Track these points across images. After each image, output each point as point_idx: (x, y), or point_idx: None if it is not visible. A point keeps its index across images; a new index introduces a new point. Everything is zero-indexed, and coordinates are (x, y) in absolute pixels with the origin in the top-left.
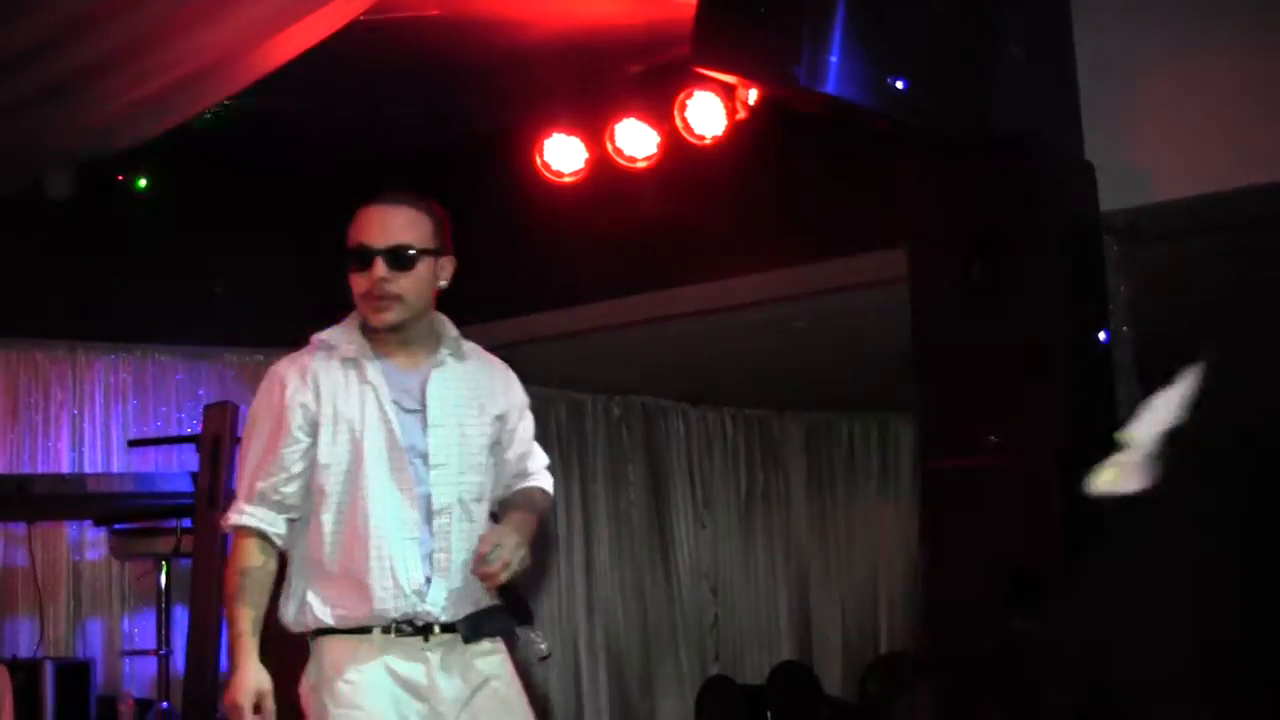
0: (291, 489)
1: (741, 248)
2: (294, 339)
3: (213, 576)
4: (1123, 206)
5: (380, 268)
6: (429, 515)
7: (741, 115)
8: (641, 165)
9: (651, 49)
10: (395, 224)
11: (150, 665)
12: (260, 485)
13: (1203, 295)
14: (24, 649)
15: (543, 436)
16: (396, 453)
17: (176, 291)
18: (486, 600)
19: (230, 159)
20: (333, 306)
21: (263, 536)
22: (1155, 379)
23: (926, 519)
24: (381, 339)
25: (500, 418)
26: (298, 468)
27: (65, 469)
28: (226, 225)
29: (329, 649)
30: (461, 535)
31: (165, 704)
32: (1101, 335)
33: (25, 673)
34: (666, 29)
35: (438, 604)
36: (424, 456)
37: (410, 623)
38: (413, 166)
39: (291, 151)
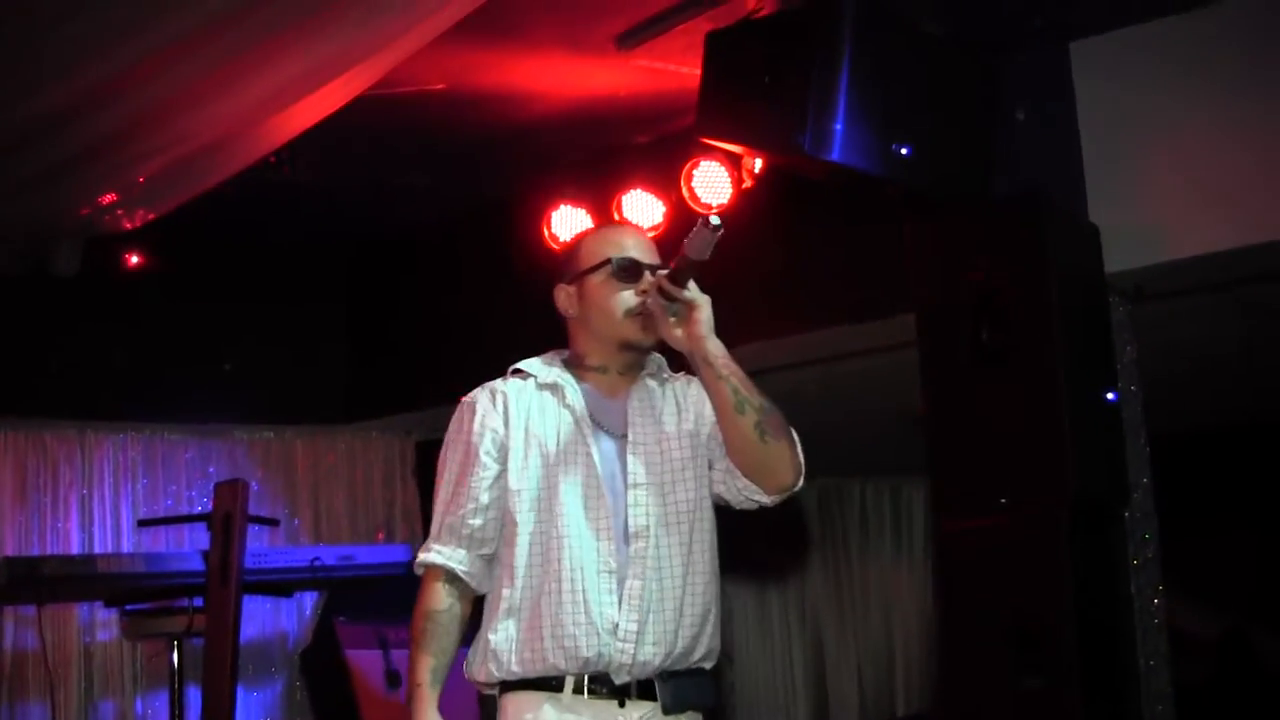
0: (480, 521)
1: (749, 315)
2: (304, 414)
3: (225, 655)
4: (1128, 267)
5: (650, 284)
6: (629, 543)
7: (748, 184)
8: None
9: (657, 119)
10: (648, 244)
11: None
12: (449, 520)
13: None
14: None
15: None
16: (593, 478)
17: (186, 368)
18: (695, 659)
19: (238, 233)
20: (340, 382)
21: (450, 576)
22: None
23: (940, 580)
24: (585, 374)
25: (696, 416)
26: (486, 497)
27: (75, 550)
28: (235, 300)
29: (513, 706)
30: (660, 561)
31: None
32: (1110, 395)
33: None
34: (672, 100)
35: (632, 645)
36: (624, 480)
37: (605, 677)
38: (423, 237)
39: (301, 225)
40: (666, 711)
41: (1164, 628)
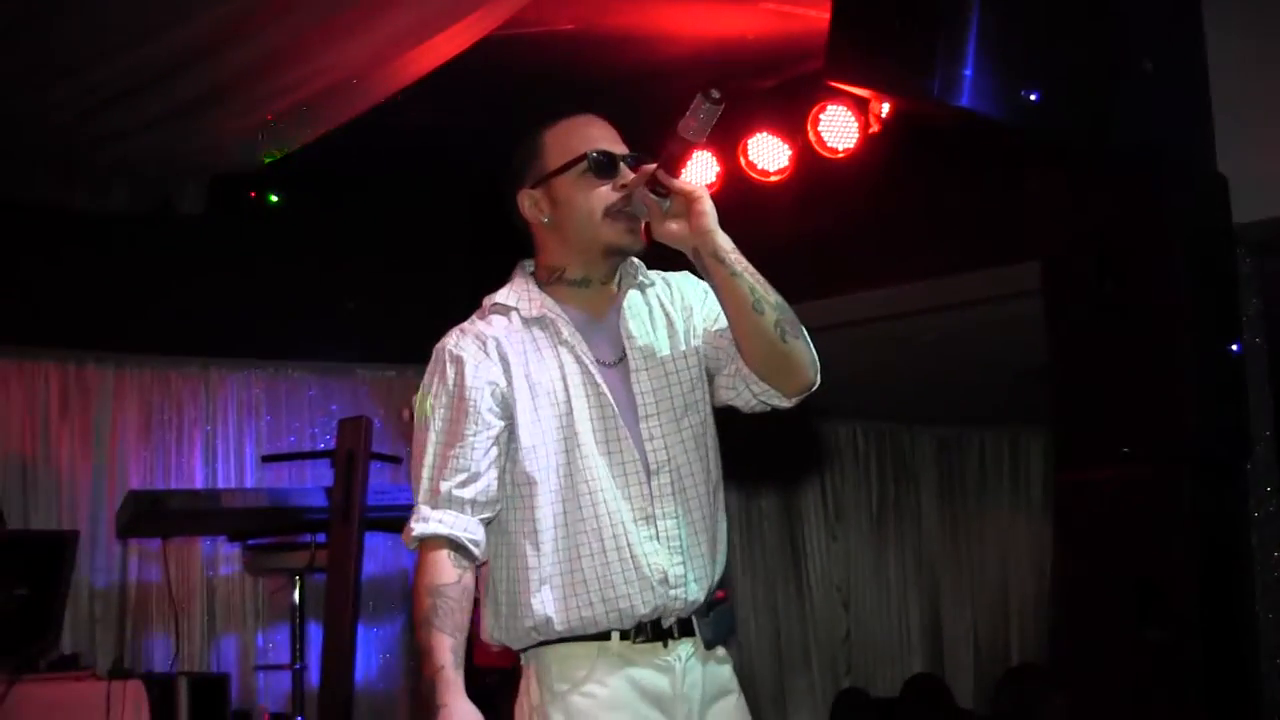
0: (482, 484)
1: (873, 261)
2: (426, 352)
3: (347, 591)
4: (1256, 219)
5: (632, 179)
6: (649, 479)
7: (874, 129)
8: (774, 179)
9: (784, 63)
10: (617, 134)
11: (285, 680)
12: (446, 485)
13: None
14: (159, 664)
15: None
16: (608, 419)
17: (309, 307)
18: (716, 586)
19: (362, 174)
20: (461, 321)
21: (456, 546)
22: None
23: (1059, 530)
24: (564, 292)
25: (690, 323)
26: (491, 457)
27: (199, 485)
28: (358, 240)
29: (558, 660)
30: (687, 494)
31: (300, 719)
32: (1234, 347)
33: (161, 688)
34: (798, 43)
35: (683, 589)
36: (633, 412)
37: (656, 624)
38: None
39: (423, 166)
40: (709, 647)
41: None
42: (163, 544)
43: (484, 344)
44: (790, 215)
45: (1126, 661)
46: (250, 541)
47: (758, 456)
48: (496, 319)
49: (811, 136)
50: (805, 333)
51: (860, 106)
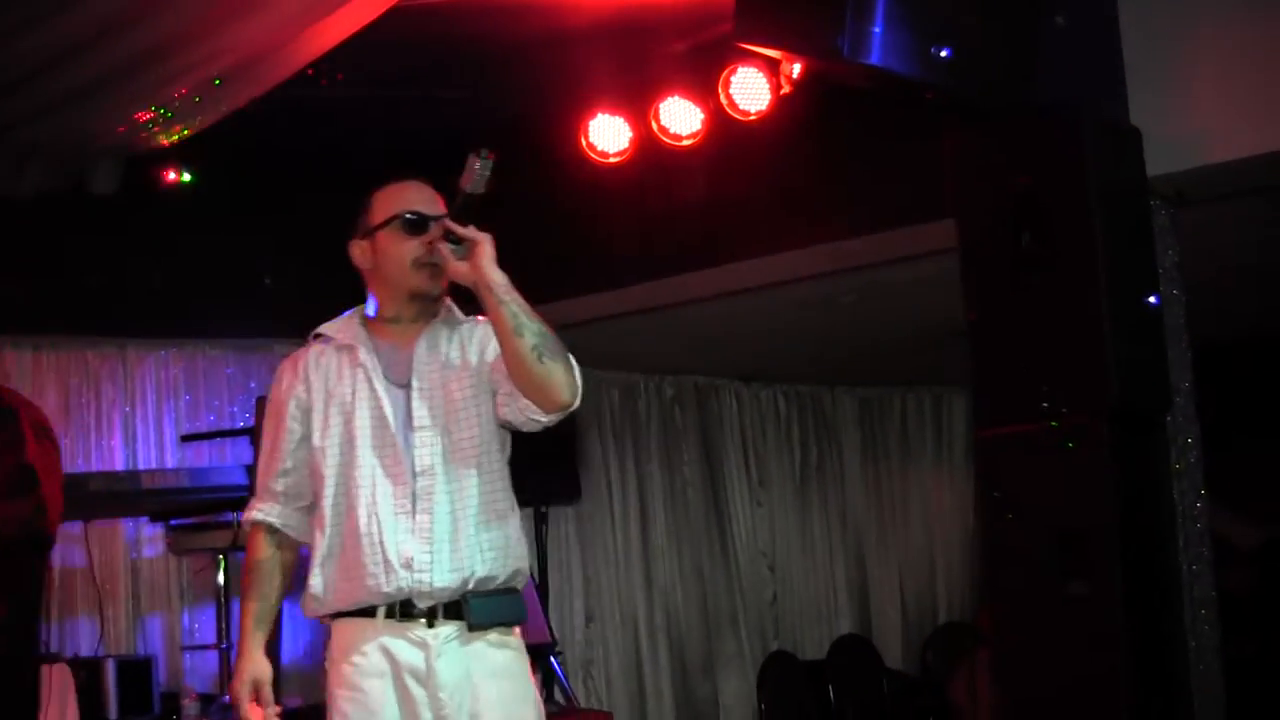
0: (291, 480)
1: (788, 223)
2: None
3: None
4: (1170, 171)
5: (435, 233)
6: (414, 479)
7: (786, 90)
8: (687, 143)
9: (694, 26)
10: (433, 197)
11: (212, 660)
12: (267, 481)
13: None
14: (85, 648)
15: (595, 418)
16: (383, 428)
17: (225, 284)
18: (499, 581)
19: (273, 149)
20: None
21: (270, 529)
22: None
23: (981, 487)
24: (380, 327)
25: (480, 353)
26: (292, 459)
27: (119, 467)
28: (272, 215)
29: (337, 632)
30: (447, 496)
31: (227, 698)
32: (1152, 299)
33: (88, 671)
34: (708, 6)
35: (428, 575)
36: (409, 424)
37: (411, 603)
38: (457, 151)
39: (335, 140)
40: (471, 629)
41: (1206, 534)
42: (84, 526)
43: (295, 365)
44: (704, 178)
45: (1050, 616)
46: (173, 522)
47: (677, 422)
48: (313, 348)
49: (723, 99)
50: (570, 359)
51: (771, 68)
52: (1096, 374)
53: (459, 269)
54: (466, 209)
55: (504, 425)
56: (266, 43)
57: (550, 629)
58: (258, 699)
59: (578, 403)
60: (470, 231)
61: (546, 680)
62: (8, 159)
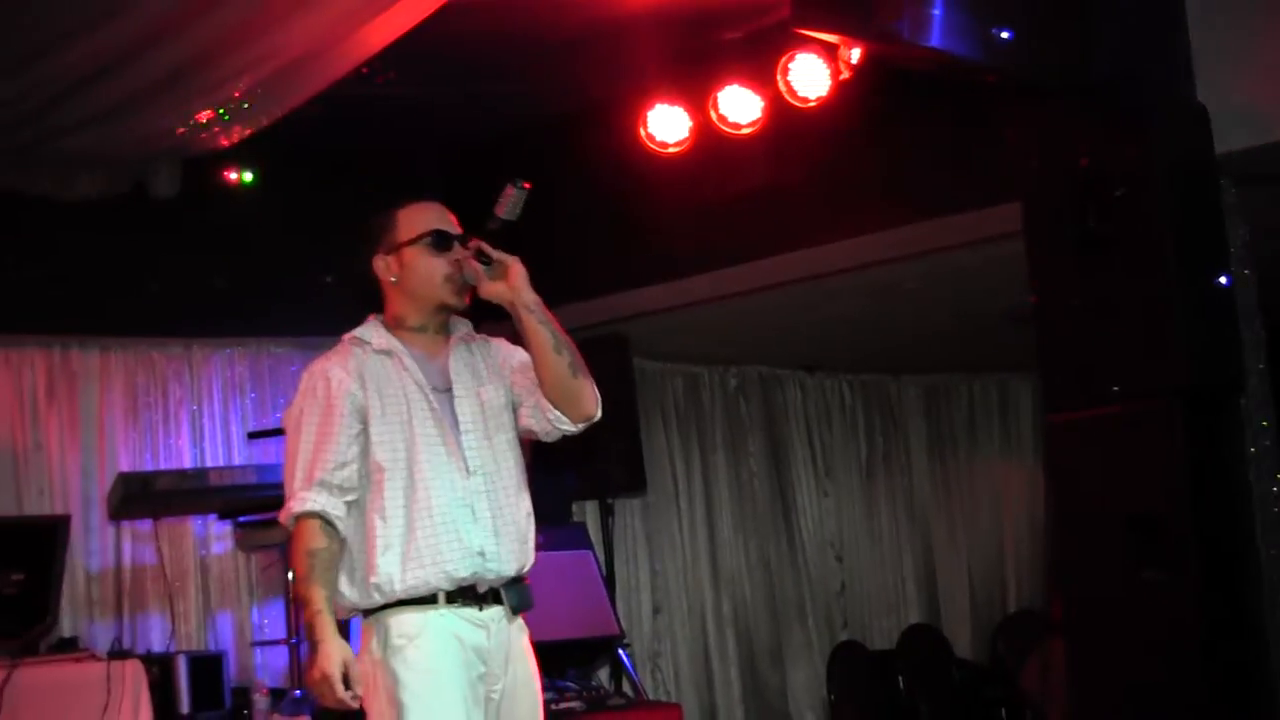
0: (348, 473)
1: (850, 210)
2: None
3: None
4: (1238, 148)
5: (460, 251)
6: (469, 478)
7: (845, 75)
8: (746, 132)
9: (752, 13)
10: (451, 217)
11: (281, 655)
12: (319, 473)
13: None
14: (157, 644)
15: (660, 410)
16: (441, 428)
17: (288, 283)
18: (525, 569)
19: (333, 146)
20: None
21: (325, 520)
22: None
23: (1051, 473)
24: (407, 335)
25: (501, 369)
26: (352, 452)
27: (187, 465)
28: (334, 212)
29: (396, 621)
30: (498, 493)
31: (298, 692)
32: (1223, 279)
33: (159, 667)
34: None
35: (496, 560)
36: (456, 427)
37: (473, 589)
38: (516, 145)
39: (395, 136)
40: (515, 612)
41: None
42: (154, 524)
43: (345, 365)
44: (764, 166)
45: (1124, 603)
46: (241, 519)
47: (742, 413)
48: (355, 349)
49: (782, 86)
50: (589, 375)
51: (830, 53)
52: (1167, 355)
53: (494, 288)
54: (498, 232)
55: (525, 434)
56: (322, 41)
57: (618, 621)
58: (346, 679)
59: (599, 414)
60: (503, 255)
61: (615, 672)
62: (67, 163)
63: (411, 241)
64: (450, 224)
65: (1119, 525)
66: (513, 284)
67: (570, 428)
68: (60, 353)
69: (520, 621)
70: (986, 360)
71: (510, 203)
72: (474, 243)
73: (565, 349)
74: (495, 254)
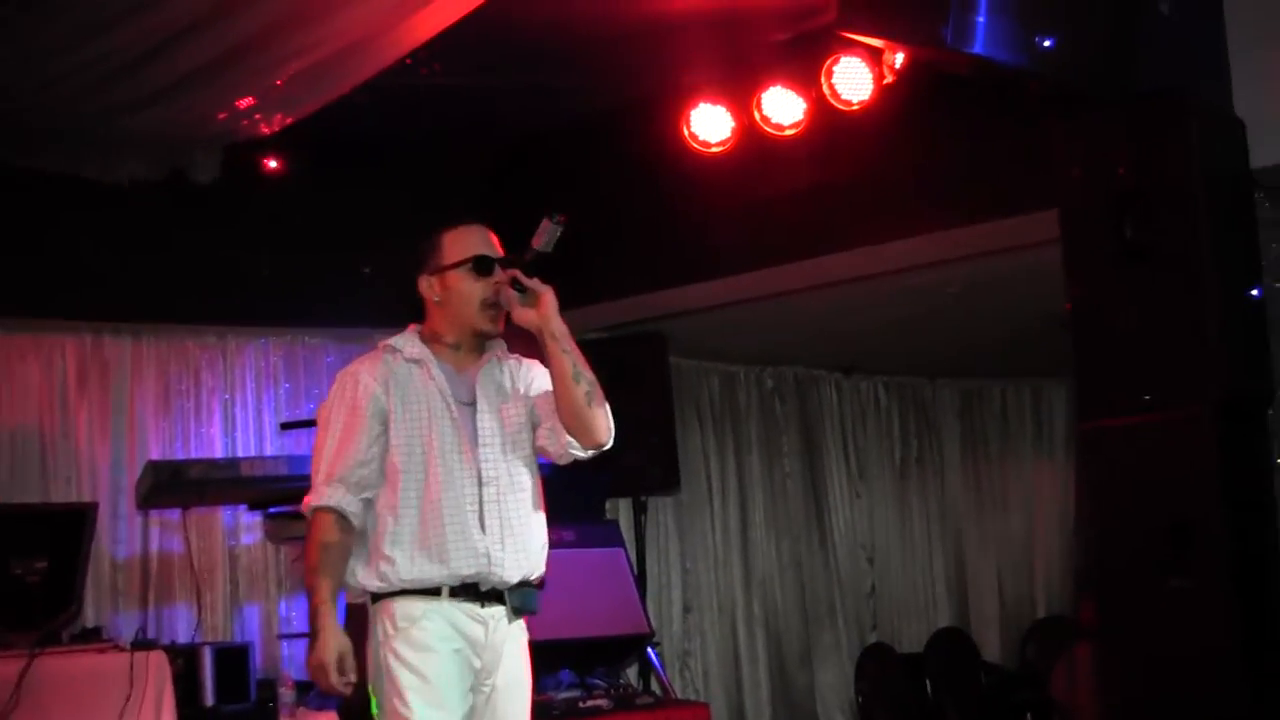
0: (366, 471)
1: (891, 213)
2: None
3: None
4: (1274, 162)
5: (500, 276)
6: (481, 488)
7: (889, 79)
8: (789, 133)
9: (797, 15)
10: (494, 241)
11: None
12: (339, 470)
13: None
14: (182, 635)
15: (695, 409)
16: (459, 437)
17: (325, 273)
18: (535, 577)
19: (375, 136)
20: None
21: (340, 515)
22: None
23: (1083, 480)
24: (440, 349)
25: (527, 390)
26: (372, 452)
27: (218, 454)
28: (373, 203)
29: (400, 606)
30: (510, 504)
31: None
32: (1255, 291)
33: (185, 658)
34: None
35: (500, 565)
36: (475, 439)
37: (475, 586)
38: (558, 141)
39: (440, 126)
40: (517, 614)
41: None
42: (183, 514)
43: (374, 371)
44: (806, 169)
45: (1153, 609)
46: (271, 510)
47: (777, 413)
48: (386, 356)
49: (826, 89)
50: (606, 405)
51: (874, 57)
52: (1201, 366)
53: (525, 315)
54: (533, 263)
55: (539, 453)
56: (367, 30)
57: (648, 619)
58: (341, 668)
59: (610, 442)
60: (536, 284)
61: (643, 671)
62: (109, 147)
63: (455, 265)
64: (493, 247)
65: (1149, 533)
66: (543, 313)
67: (581, 453)
68: (92, 339)
69: (521, 624)
70: (1021, 365)
71: (546, 236)
72: (510, 272)
73: (584, 379)
74: (529, 283)
